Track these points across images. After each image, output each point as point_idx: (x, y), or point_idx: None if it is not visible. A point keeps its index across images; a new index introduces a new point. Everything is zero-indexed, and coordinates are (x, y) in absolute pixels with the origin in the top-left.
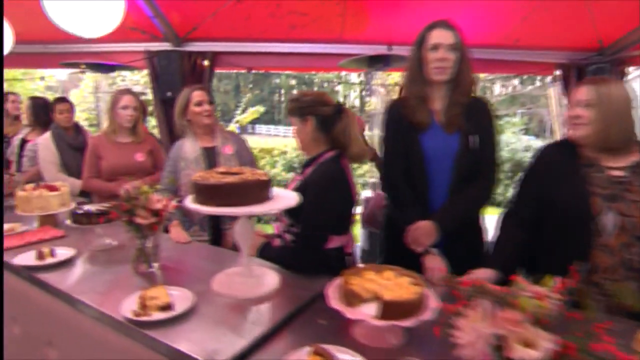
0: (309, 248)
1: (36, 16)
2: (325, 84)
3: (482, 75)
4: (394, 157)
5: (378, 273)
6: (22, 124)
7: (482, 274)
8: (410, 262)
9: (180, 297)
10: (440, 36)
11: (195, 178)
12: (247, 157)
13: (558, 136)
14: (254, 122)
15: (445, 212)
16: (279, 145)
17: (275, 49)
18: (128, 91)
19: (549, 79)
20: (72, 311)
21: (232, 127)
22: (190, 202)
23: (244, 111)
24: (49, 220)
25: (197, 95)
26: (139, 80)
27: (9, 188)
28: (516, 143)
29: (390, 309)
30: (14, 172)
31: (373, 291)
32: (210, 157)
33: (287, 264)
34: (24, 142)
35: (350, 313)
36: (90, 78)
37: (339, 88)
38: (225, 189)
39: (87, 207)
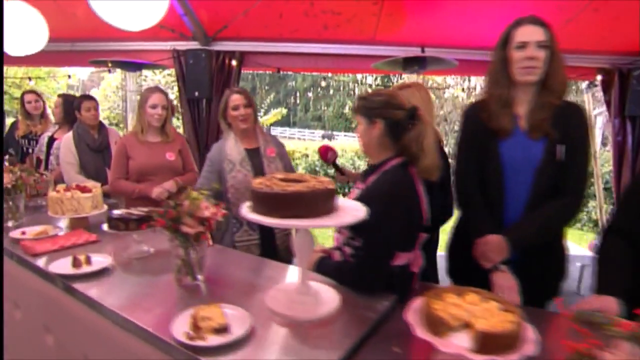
0: (372, 265)
1: (64, 14)
2: (341, 87)
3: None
4: (469, 164)
5: (460, 296)
6: (51, 121)
7: (607, 304)
8: (477, 278)
9: (236, 318)
10: (528, 33)
11: (256, 186)
12: (287, 160)
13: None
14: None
15: (519, 228)
16: (300, 147)
17: (306, 50)
18: (157, 89)
19: (584, 85)
20: (112, 327)
21: None
22: (249, 213)
23: (266, 113)
24: (80, 223)
25: (234, 99)
26: (159, 80)
27: (40, 187)
28: None
29: (488, 341)
30: (43, 171)
31: (461, 318)
32: (255, 159)
33: (347, 281)
34: (51, 140)
35: (441, 345)
36: (112, 77)
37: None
38: (291, 199)
39: (122, 212)
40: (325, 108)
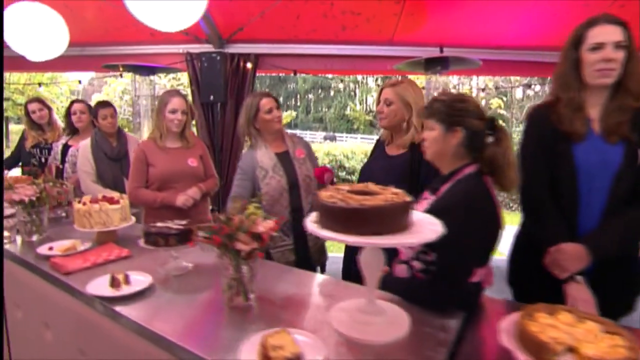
0: (449, 282)
1: (74, 18)
2: (342, 88)
3: (497, 78)
4: (537, 168)
5: (552, 315)
6: (60, 127)
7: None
8: (543, 288)
9: (308, 345)
10: (604, 33)
11: (328, 200)
12: (315, 161)
13: None
14: None
15: (600, 236)
16: None
17: (323, 51)
18: (177, 93)
19: None
20: (162, 353)
21: None
22: (320, 229)
23: None
24: (108, 236)
25: (267, 102)
26: (165, 84)
27: (62, 198)
28: None
29: None
30: (66, 181)
31: (564, 342)
32: (286, 162)
33: (420, 299)
34: (66, 147)
35: None
36: (117, 82)
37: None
38: (371, 214)
39: (160, 225)
40: (327, 110)
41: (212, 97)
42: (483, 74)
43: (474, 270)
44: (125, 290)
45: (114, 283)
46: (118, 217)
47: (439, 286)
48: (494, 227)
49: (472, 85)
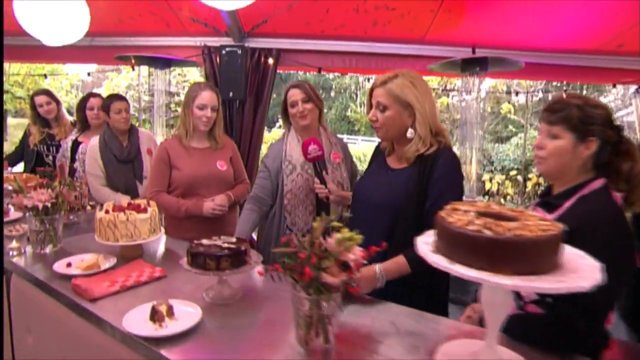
0: (591, 320)
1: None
2: (342, 89)
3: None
4: None
5: None
6: (69, 122)
7: None
8: None
9: None
10: None
11: (463, 226)
12: (354, 169)
13: None
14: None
15: None
16: None
17: (350, 48)
18: (207, 86)
19: (631, 89)
20: None
21: (276, 132)
22: (451, 263)
23: None
24: (134, 250)
25: (292, 94)
26: (170, 80)
27: (78, 203)
28: None
29: None
30: (80, 182)
31: None
32: (318, 165)
33: (546, 340)
34: (76, 144)
35: None
36: (121, 76)
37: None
38: (526, 248)
39: (207, 242)
40: (328, 110)
41: (232, 94)
42: (523, 78)
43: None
44: (171, 327)
45: (156, 317)
46: (147, 228)
47: (576, 324)
48: (632, 254)
49: (481, 88)
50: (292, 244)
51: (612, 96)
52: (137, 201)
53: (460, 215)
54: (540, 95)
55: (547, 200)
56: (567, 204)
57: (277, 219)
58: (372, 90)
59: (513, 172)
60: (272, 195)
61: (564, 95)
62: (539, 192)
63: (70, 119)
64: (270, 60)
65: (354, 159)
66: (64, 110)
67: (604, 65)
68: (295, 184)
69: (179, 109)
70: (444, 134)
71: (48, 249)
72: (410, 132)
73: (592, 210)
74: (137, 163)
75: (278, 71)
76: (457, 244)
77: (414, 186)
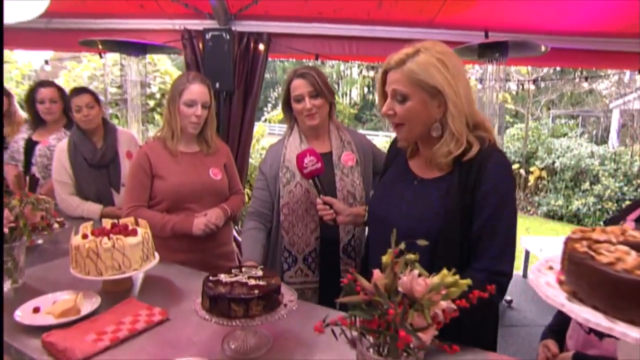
0: None
1: None
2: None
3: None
4: None
5: None
6: (22, 119)
7: None
8: None
9: None
10: None
11: (619, 268)
12: (379, 166)
13: None
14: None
15: None
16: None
17: (350, 32)
18: (198, 77)
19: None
20: None
21: (261, 126)
22: (610, 320)
23: (274, 107)
24: (121, 284)
25: (296, 86)
26: (140, 71)
27: (45, 222)
28: (579, 148)
29: None
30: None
31: None
32: (318, 182)
33: None
34: (31, 144)
35: None
36: (82, 66)
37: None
38: None
39: (224, 278)
40: None
41: (218, 85)
42: (545, 64)
43: None
44: None
45: None
46: (138, 255)
47: None
48: None
49: (471, 74)
50: (359, 287)
51: (606, 83)
52: (124, 220)
53: (610, 251)
54: (543, 84)
55: None
56: None
57: (273, 237)
58: (384, 74)
59: (515, 166)
60: (273, 208)
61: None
62: (540, 186)
63: (24, 115)
64: (261, 46)
65: None
66: (16, 104)
67: (627, 49)
68: (293, 196)
69: (151, 102)
70: (486, 127)
71: (7, 285)
72: (436, 128)
73: None
74: (113, 168)
75: (270, 59)
76: (620, 295)
77: (455, 203)
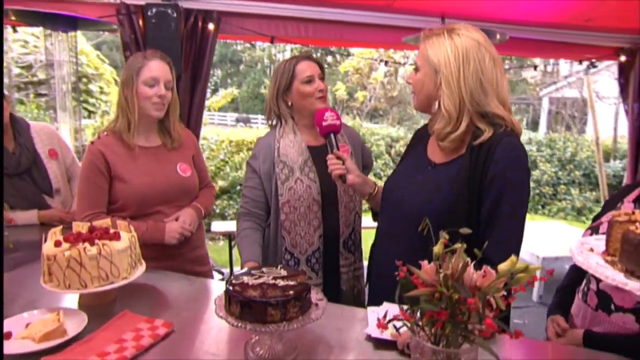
0: None
1: None
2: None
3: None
4: None
5: None
6: None
7: None
8: None
9: None
10: None
11: None
12: (368, 160)
13: (596, 131)
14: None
15: None
16: (210, 134)
17: (310, 15)
18: (158, 55)
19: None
20: None
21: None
22: None
23: (214, 92)
24: (104, 296)
25: (307, 67)
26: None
27: None
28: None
29: None
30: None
31: None
32: (322, 162)
33: None
34: None
35: None
36: None
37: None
38: None
39: (247, 279)
40: (237, 88)
41: None
42: (501, 53)
43: None
44: None
45: None
46: (127, 262)
47: None
48: None
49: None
50: (416, 279)
51: (530, 73)
52: (99, 222)
53: None
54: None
55: None
56: None
57: (272, 240)
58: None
59: None
60: (267, 208)
61: None
62: None
63: None
64: (211, 26)
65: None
66: None
67: (572, 40)
68: (294, 193)
69: (64, 86)
70: (503, 117)
71: None
72: (434, 105)
73: None
74: (37, 172)
75: (219, 40)
76: None
77: (463, 186)
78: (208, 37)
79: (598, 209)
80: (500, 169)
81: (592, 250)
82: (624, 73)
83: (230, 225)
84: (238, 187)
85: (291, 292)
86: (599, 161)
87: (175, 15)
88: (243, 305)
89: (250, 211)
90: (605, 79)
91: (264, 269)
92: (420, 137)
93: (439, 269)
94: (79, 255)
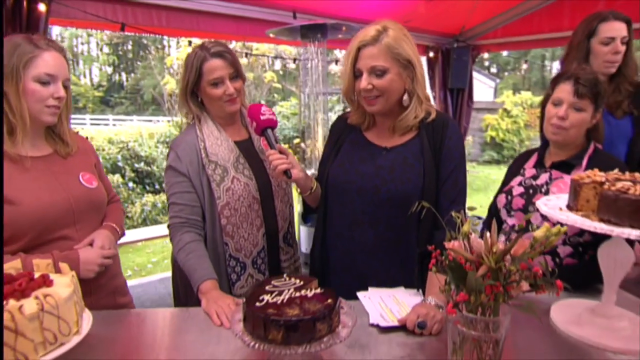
0: None
1: None
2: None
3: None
4: None
5: None
6: None
7: None
8: None
9: None
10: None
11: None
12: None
13: None
14: None
15: None
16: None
17: (163, 1)
18: (53, 45)
19: None
20: None
21: None
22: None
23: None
24: None
25: (214, 67)
26: None
27: None
28: None
29: None
30: None
31: None
32: (252, 157)
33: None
34: None
35: None
36: None
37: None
38: None
39: (274, 299)
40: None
41: None
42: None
43: None
44: None
45: None
46: (74, 312)
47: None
48: None
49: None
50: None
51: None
52: (12, 265)
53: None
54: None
55: (563, 163)
56: (584, 163)
57: (211, 249)
58: (357, 51)
59: (297, 141)
60: (203, 214)
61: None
62: None
63: None
64: (41, 6)
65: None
66: None
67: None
68: (232, 193)
69: None
70: (428, 97)
71: None
72: (406, 98)
73: (612, 162)
74: None
75: (51, 25)
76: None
77: (430, 160)
78: (38, 20)
79: None
80: (455, 142)
81: (561, 209)
82: (430, 67)
83: None
84: None
85: (329, 300)
86: None
87: None
88: (287, 329)
89: (187, 219)
90: None
91: (274, 282)
92: (348, 127)
93: (467, 246)
94: (11, 320)
